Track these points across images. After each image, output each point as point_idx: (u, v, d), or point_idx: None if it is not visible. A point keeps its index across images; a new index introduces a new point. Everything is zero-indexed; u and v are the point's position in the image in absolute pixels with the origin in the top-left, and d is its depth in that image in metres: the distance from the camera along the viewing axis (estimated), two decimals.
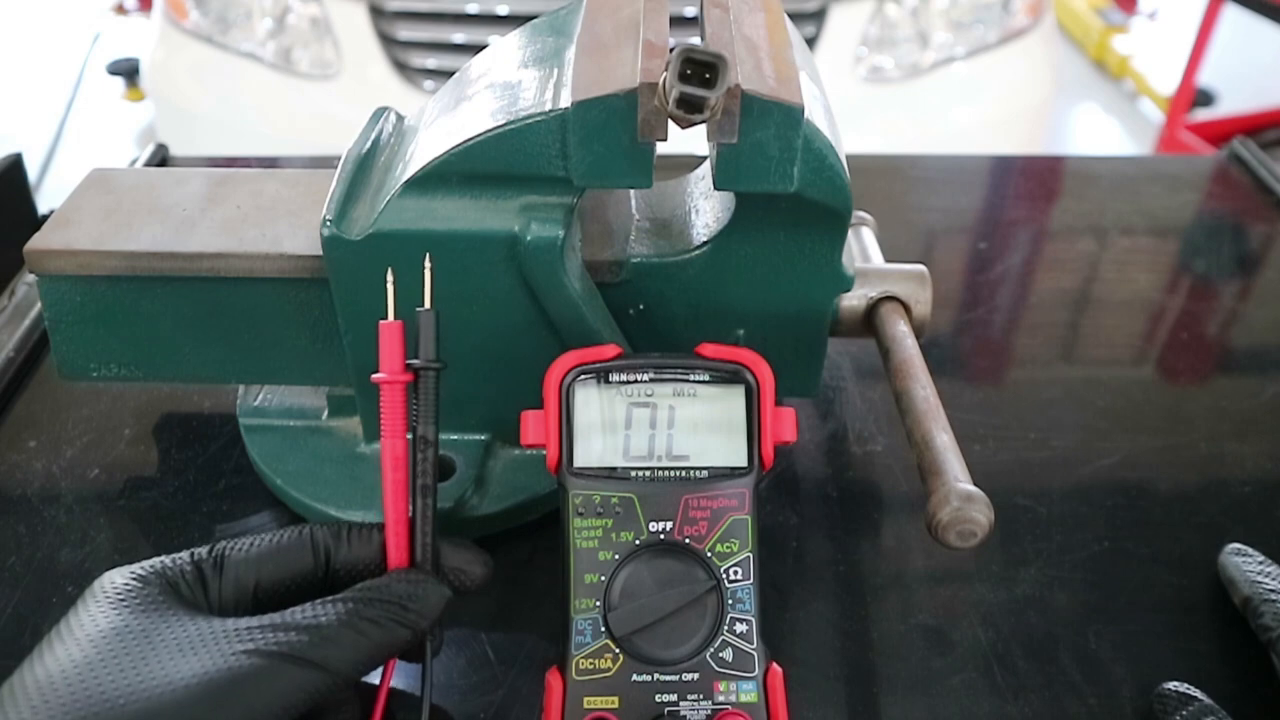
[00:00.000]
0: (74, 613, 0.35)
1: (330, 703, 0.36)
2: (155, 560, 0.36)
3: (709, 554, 0.40)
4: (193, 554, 0.37)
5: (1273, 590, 0.46)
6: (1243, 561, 0.48)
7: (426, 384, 0.39)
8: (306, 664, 0.33)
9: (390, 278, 0.41)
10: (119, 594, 0.35)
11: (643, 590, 0.40)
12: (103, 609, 0.34)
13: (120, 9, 3.22)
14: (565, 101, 0.41)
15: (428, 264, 0.41)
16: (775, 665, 0.40)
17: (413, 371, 0.39)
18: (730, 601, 0.40)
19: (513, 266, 0.45)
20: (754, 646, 0.40)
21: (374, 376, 0.39)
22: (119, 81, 2.87)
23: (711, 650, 0.39)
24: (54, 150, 2.75)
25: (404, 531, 0.39)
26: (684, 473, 0.41)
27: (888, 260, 0.55)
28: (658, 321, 0.50)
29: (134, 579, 0.35)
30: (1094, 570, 0.51)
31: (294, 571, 0.38)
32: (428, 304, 0.40)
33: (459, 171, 0.44)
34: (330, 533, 0.39)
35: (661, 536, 0.40)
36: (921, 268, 0.53)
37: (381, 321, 0.39)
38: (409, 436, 0.39)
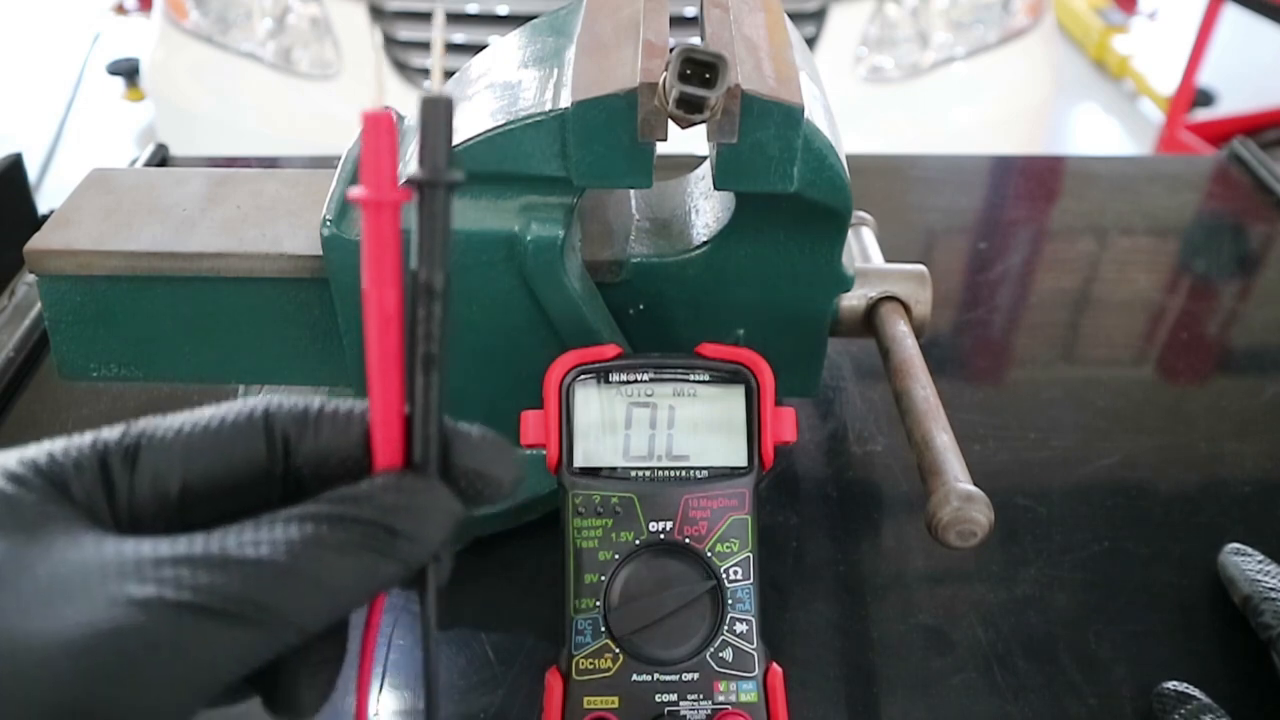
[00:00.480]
0: None
1: (294, 660, 0.26)
2: (43, 447, 0.25)
3: (709, 554, 0.40)
4: (97, 439, 0.26)
5: (1272, 588, 0.46)
6: (1242, 561, 0.48)
7: (433, 206, 0.25)
8: (236, 620, 0.22)
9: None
10: None
11: (643, 590, 0.40)
12: None
13: (120, 9, 3.22)
14: (565, 101, 0.41)
15: (439, 16, 0.30)
16: (775, 665, 0.40)
17: (413, 186, 0.25)
18: (730, 601, 0.40)
19: (513, 266, 0.45)
20: (754, 646, 0.40)
21: (350, 192, 0.26)
22: (119, 81, 2.87)
23: (711, 650, 0.39)
24: (54, 150, 2.75)
25: (398, 419, 0.26)
26: (684, 473, 0.41)
27: (888, 260, 0.55)
28: (658, 321, 0.50)
29: (8, 479, 0.24)
30: (1094, 570, 0.51)
31: (237, 465, 0.26)
32: (436, 83, 0.27)
33: None
34: (293, 414, 0.26)
35: (661, 536, 0.40)
36: (921, 268, 0.53)
37: (364, 111, 0.25)
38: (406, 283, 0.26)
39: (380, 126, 0.25)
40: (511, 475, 0.28)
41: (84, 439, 0.26)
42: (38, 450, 0.25)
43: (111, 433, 0.26)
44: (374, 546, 0.24)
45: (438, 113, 0.25)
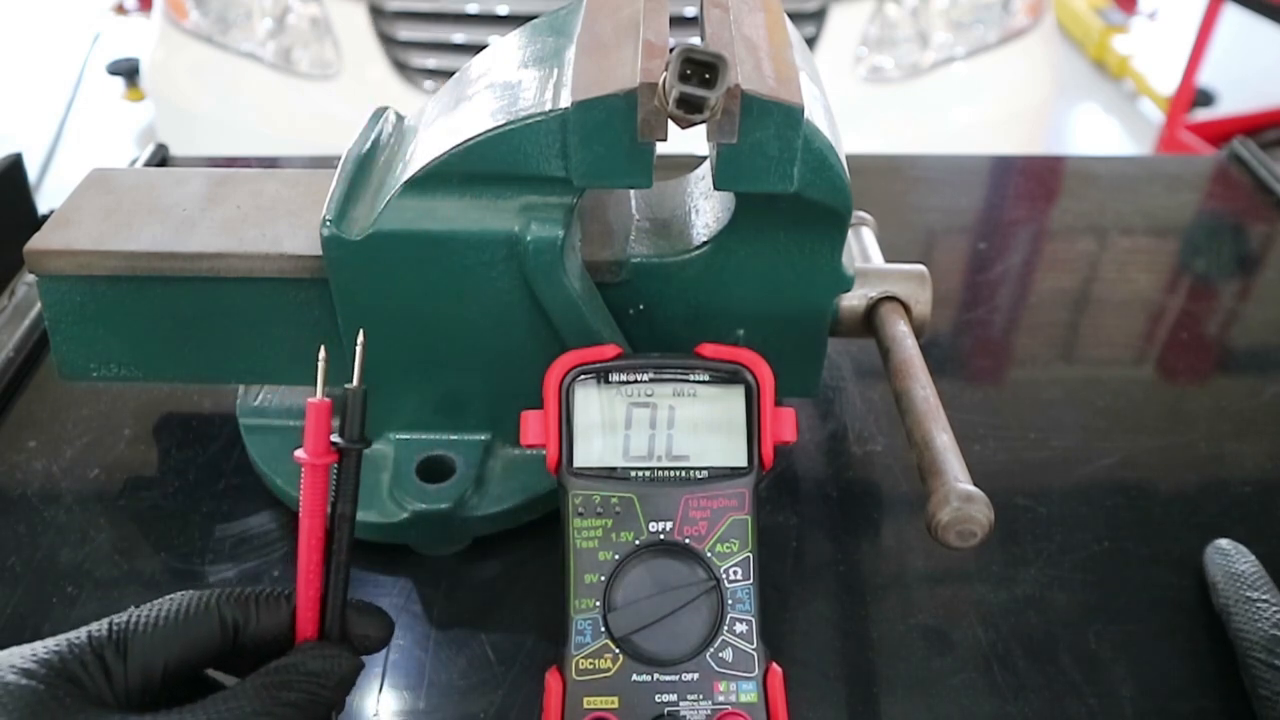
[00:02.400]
0: None
1: None
2: (52, 645, 0.33)
3: (709, 554, 0.40)
4: (91, 636, 0.33)
5: (1250, 597, 0.46)
6: (1223, 561, 0.48)
7: (349, 463, 0.37)
8: None
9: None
10: (16, 700, 0.30)
11: (643, 590, 0.40)
12: None
13: (120, 9, 3.22)
14: (565, 101, 0.41)
15: (360, 339, 0.39)
16: (775, 665, 0.40)
17: (337, 451, 0.37)
18: (730, 601, 0.40)
19: (513, 266, 0.45)
20: (754, 646, 0.40)
21: (296, 454, 0.37)
22: (119, 81, 2.87)
23: (711, 650, 0.39)
24: (54, 150, 2.75)
25: (315, 606, 0.37)
26: (684, 473, 0.41)
27: (888, 260, 0.55)
28: (658, 321, 0.50)
29: (31, 679, 0.31)
30: (1094, 570, 0.51)
31: (201, 648, 0.35)
32: (356, 380, 0.38)
33: (459, 171, 0.43)
34: (238, 605, 0.36)
35: (661, 536, 0.40)
36: (921, 268, 0.53)
37: (309, 400, 0.37)
38: (329, 513, 0.38)
39: (319, 411, 0.37)
40: (385, 633, 0.39)
41: (80, 636, 0.33)
42: (50, 646, 0.32)
43: (100, 629, 0.34)
44: (311, 696, 0.34)
45: (356, 399, 0.38)
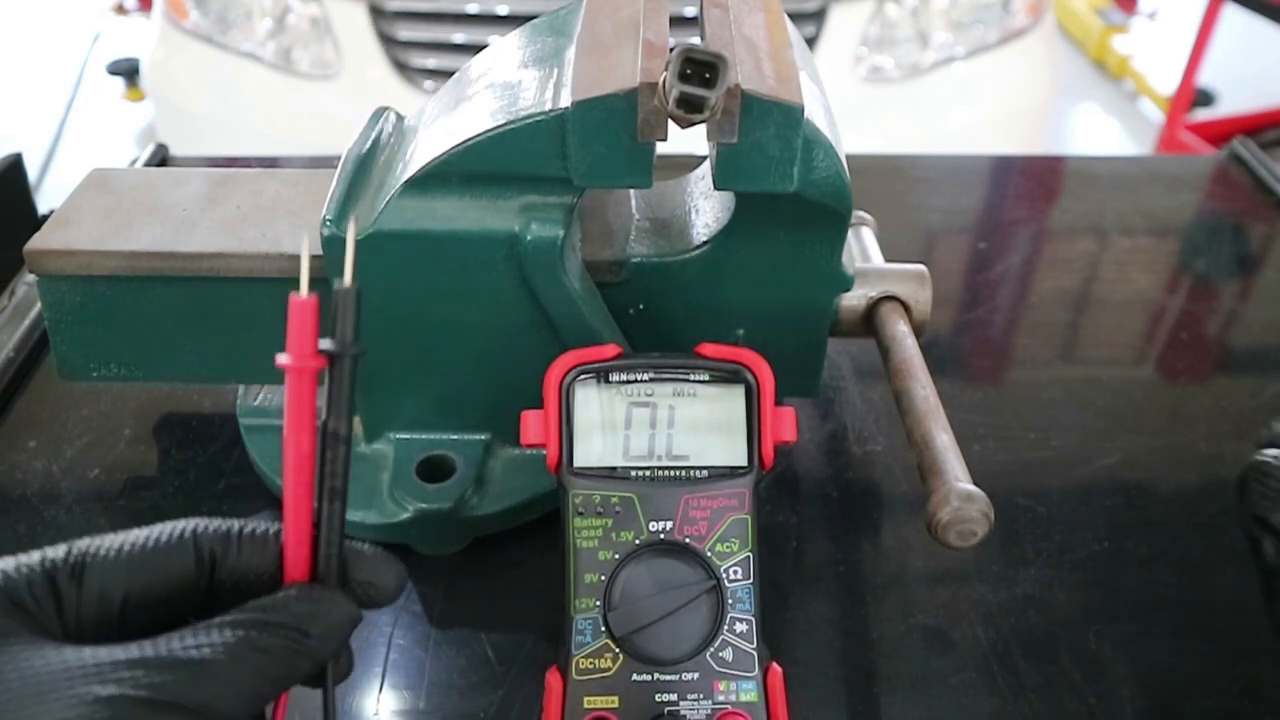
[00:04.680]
0: None
1: None
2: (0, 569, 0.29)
3: (709, 554, 0.40)
4: (44, 558, 0.29)
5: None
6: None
7: (340, 371, 0.32)
8: (182, 711, 0.26)
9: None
10: None
11: (643, 590, 0.40)
12: None
13: (120, 9, 3.22)
14: (565, 101, 0.41)
15: (351, 229, 0.33)
16: (775, 665, 0.40)
17: (326, 356, 0.32)
18: (730, 601, 0.40)
19: (513, 266, 0.45)
20: (754, 646, 0.40)
21: (278, 359, 0.31)
22: (119, 81, 2.87)
23: (711, 650, 0.39)
24: (54, 150, 2.75)
25: (306, 540, 0.32)
26: (684, 472, 0.41)
27: (888, 260, 0.55)
28: (658, 321, 0.50)
29: None
30: (1094, 570, 0.51)
31: (170, 581, 0.30)
32: (348, 280, 0.32)
33: (459, 171, 0.44)
34: (217, 535, 0.31)
35: (661, 536, 0.40)
36: (921, 268, 0.53)
37: (292, 295, 0.31)
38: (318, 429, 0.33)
39: (305, 309, 0.31)
40: (396, 582, 0.33)
41: (32, 558, 0.29)
42: None
43: (57, 552, 0.29)
44: (292, 645, 0.29)
45: (349, 298, 0.32)
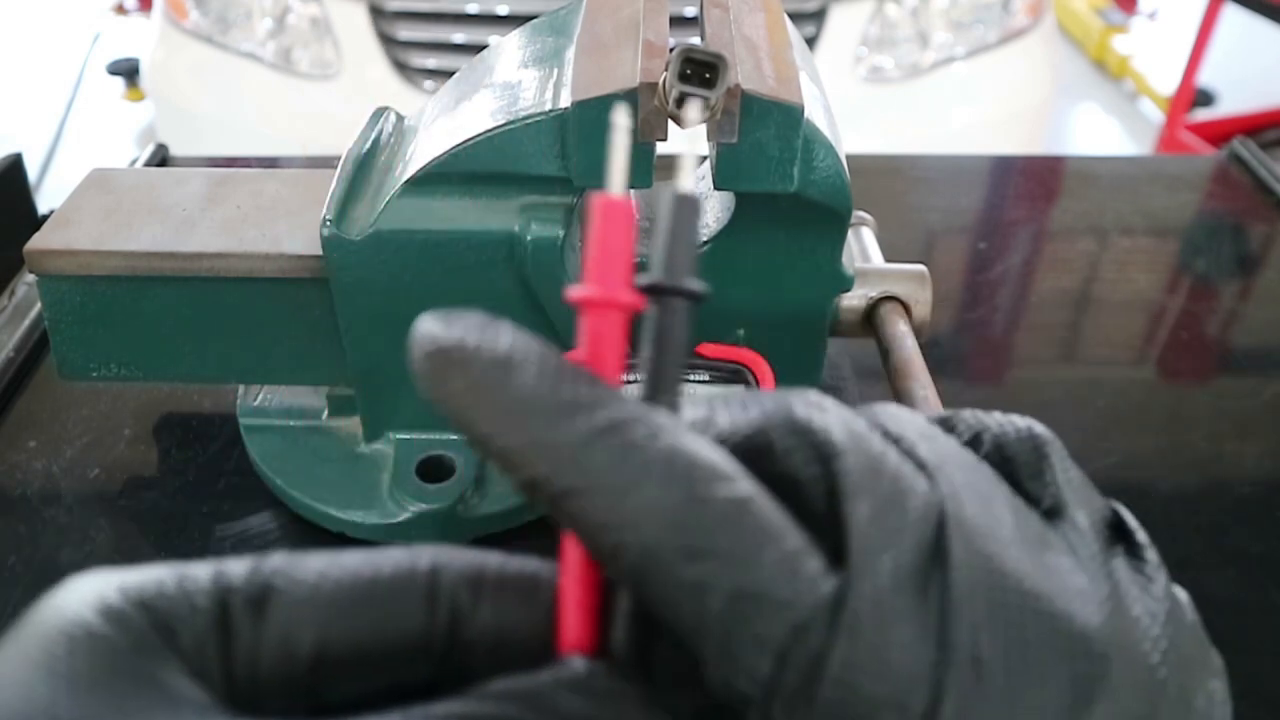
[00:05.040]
0: (4, 655, 0.19)
1: None
2: (151, 573, 0.20)
3: None
4: (218, 574, 0.20)
5: None
6: None
7: (669, 321, 0.21)
8: None
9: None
10: (68, 640, 0.18)
11: None
12: (26, 667, 0.18)
13: (120, 9, 3.23)
14: (565, 101, 0.41)
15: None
16: None
17: (647, 293, 0.22)
18: None
19: (513, 266, 0.45)
20: None
21: (573, 292, 0.21)
22: (119, 81, 2.87)
23: None
24: (54, 150, 2.75)
25: (590, 597, 0.20)
26: None
27: (888, 260, 0.55)
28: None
29: (104, 615, 0.19)
30: None
31: (389, 634, 0.20)
32: (681, 184, 0.21)
33: (459, 171, 0.44)
34: (465, 578, 0.21)
35: None
36: (921, 268, 0.53)
37: (599, 196, 0.21)
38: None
39: (618, 213, 0.21)
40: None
41: (201, 571, 0.20)
42: (143, 577, 0.20)
43: (237, 568, 0.20)
44: None
45: (688, 208, 0.21)
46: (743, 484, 0.19)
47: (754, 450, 0.20)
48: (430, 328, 0.20)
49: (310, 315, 0.49)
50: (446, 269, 0.45)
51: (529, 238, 0.44)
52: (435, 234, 0.44)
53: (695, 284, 0.21)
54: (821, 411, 0.21)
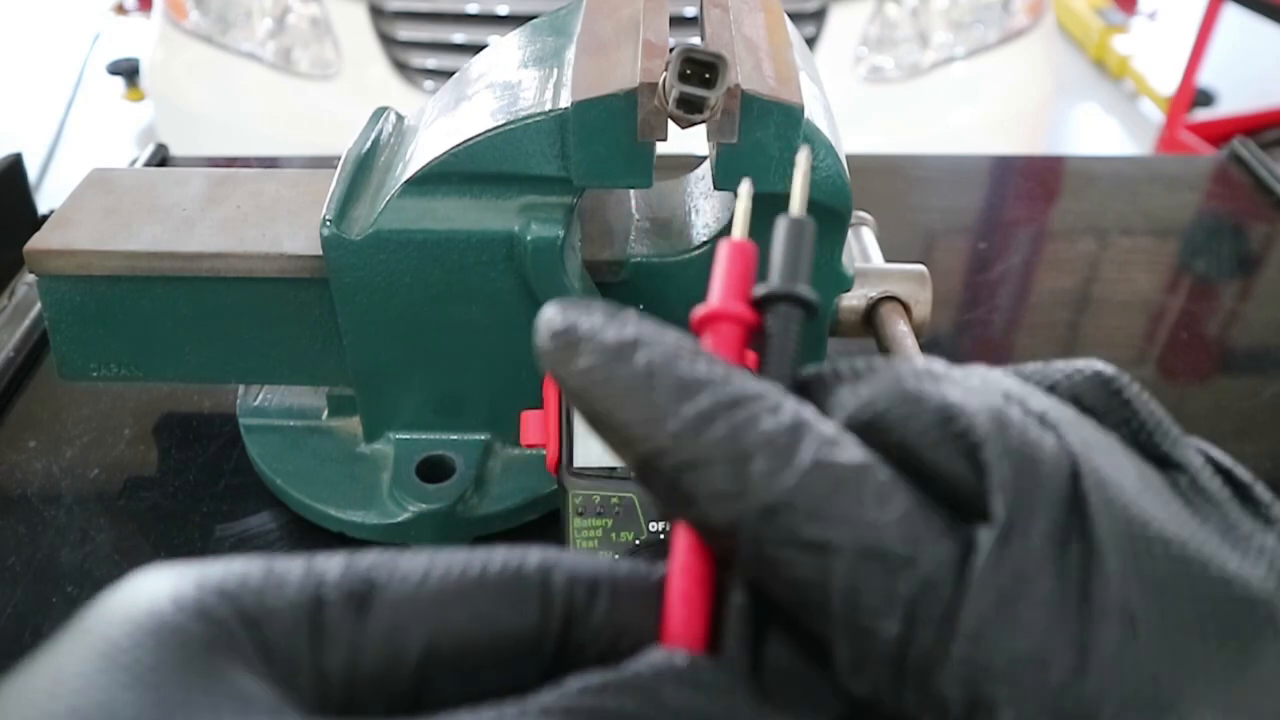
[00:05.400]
0: (63, 646, 0.17)
1: None
2: (235, 566, 0.18)
3: None
4: (311, 569, 0.19)
5: None
6: None
7: (782, 325, 0.22)
8: None
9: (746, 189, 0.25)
10: (135, 629, 0.17)
11: None
12: (86, 657, 0.16)
13: (120, 9, 3.22)
14: (565, 101, 0.41)
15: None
16: None
17: (763, 304, 0.22)
18: None
19: (513, 266, 0.45)
20: None
21: (696, 312, 0.22)
22: (119, 81, 2.87)
23: None
24: (54, 150, 2.75)
25: (701, 588, 0.20)
26: None
27: (888, 260, 0.55)
28: (657, 322, 0.50)
29: (178, 604, 0.17)
30: None
31: (499, 635, 0.19)
32: (797, 205, 0.24)
33: (459, 171, 0.44)
34: (581, 579, 0.20)
35: (662, 537, 0.40)
36: (921, 268, 0.53)
37: (727, 240, 0.23)
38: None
39: (741, 253, 0.23)
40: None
41: (292, 566, 0.19)
42: (226, 569, 0.18)
43: (332, 566, 0.19)
44: None
45: (805, 230, 0.24)
46: (860, 450, 0.19)
47: (866, 422, 0.20)
48: (555, 311, 0.20)
49: (310, 315, 0.49)
50: (446, 269, 0.45)
51: (529, 238, 0.44)
52: (435, 234, 0.44)
53: (806, 291, 0.22)
54: (934, 380, 0.20)
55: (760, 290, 0.22)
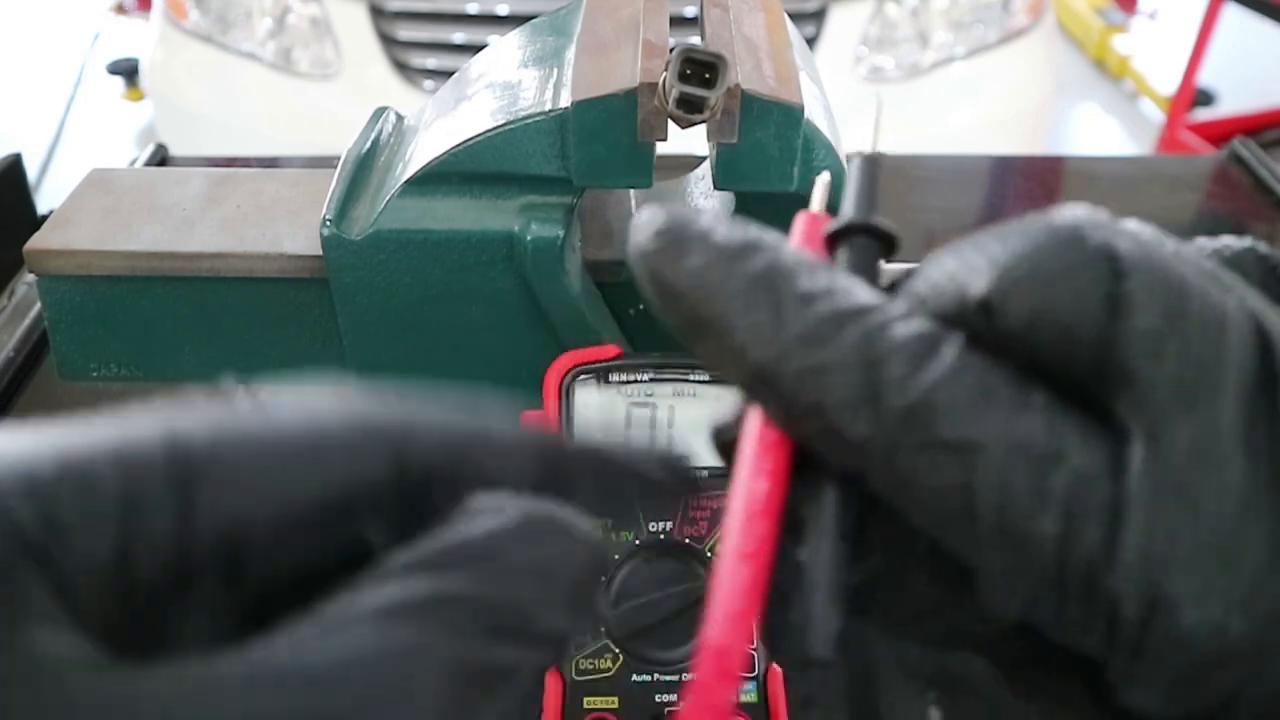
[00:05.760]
0: None
1: None
2: (57, 443, 0.16)
3: (709, 554, 0.40)
4: (126, 445, 0.16)
5: None
6: None
7: (860, 257, 0.23)
8: None
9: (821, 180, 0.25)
10: None
11: (642, 590, 0.40)
12: None
13: (120, 9, 3.22)
14: (565, 101, 0.41)
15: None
16: (775, 666, 0.40)
17: (837, 237, 0.23)
18: None
19: (512, 266, 0.45)
20: (754, 647, 0.40)
21: None
22: (119, 81, 2.87)
23: None
24: (54, 150, 2.75)
25: (759, 587, 0.19)
26: None
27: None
28: (658, 322, 0.50)
29: None
30: None
31: (347, 491, 0.17)
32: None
33: (459, 171, 0.44)
34: (436, 445, 0.18)
35: (661, 537, 0.40)
36: None
37: (804, 212, 0.23)
38: None
39: (815, 221, 0.23)
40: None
41: (101, 436, 0.16)
42: (45, 449, 0.16)
43: (148, 432, 0.16)
44: (498, 638, 0.16)
45: (868, 169, 0.25)
46: (990, 357, 0.17)
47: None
48: (657, 211, 0.18)
49: (310, 315, 0.49)
50: (446, 269, 0.45)
51: (529, 238, 0.43)
52: (435, 234, 0.44)
53: (884, 222, 0.22)
54: (1097, 228, 0.19)
55: (835, 224, 0.22)
